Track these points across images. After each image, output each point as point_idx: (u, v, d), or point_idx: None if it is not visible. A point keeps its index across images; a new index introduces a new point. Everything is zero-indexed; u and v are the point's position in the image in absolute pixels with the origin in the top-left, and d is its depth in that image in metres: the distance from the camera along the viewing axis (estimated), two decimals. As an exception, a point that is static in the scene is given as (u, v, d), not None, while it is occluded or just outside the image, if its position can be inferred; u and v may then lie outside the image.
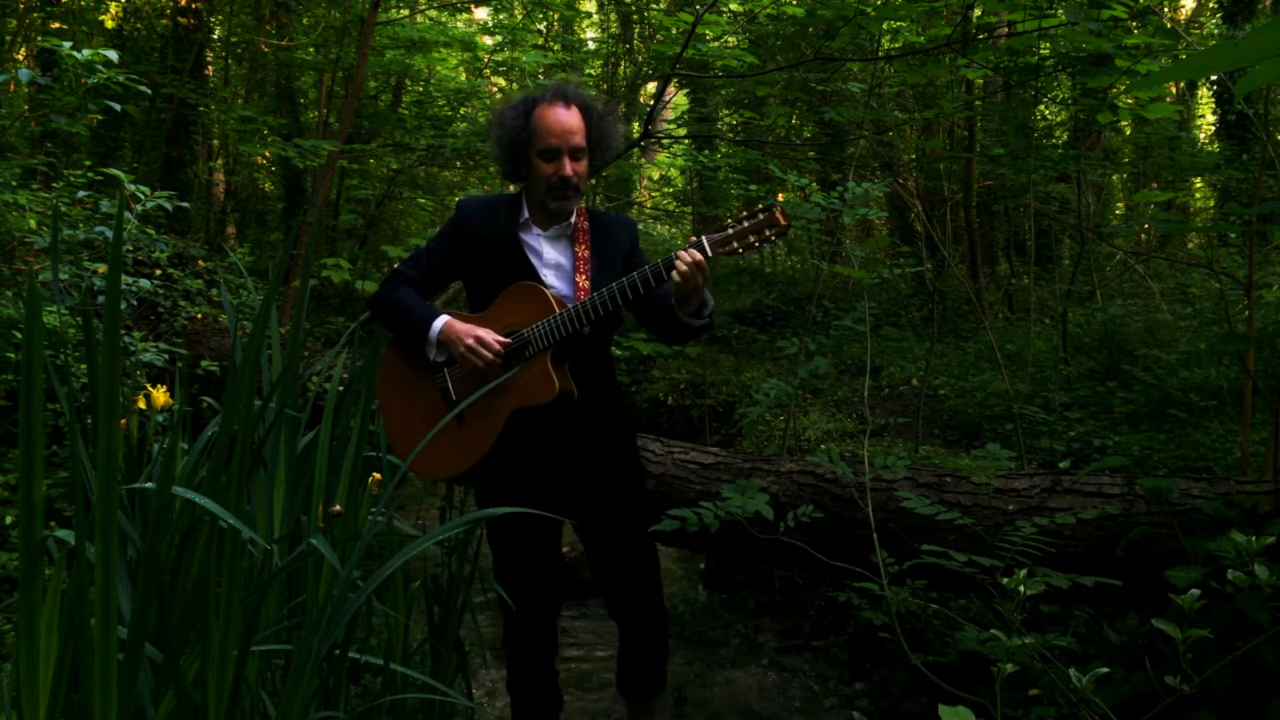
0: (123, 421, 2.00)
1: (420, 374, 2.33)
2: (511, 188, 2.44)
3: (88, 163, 6.49)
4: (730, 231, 2.09)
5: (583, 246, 2.30)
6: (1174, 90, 11.81)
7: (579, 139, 2.23)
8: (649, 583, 2.37)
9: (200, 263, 4.79)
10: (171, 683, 1.51)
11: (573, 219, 2.31)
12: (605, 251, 2.32)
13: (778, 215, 2.07)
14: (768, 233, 2.07)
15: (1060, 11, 3.99)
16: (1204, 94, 12.88)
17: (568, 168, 2.22)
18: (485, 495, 2.33)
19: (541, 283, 2.26)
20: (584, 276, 2.27)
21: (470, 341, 2.19)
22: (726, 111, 10.85)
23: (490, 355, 2.18)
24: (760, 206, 2.10)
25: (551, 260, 2.30)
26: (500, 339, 2.20)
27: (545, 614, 2.33)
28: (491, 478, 2.29)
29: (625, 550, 2.34)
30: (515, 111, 2.28)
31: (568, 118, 2.22)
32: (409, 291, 2.33)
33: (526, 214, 2.31)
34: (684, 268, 2.08)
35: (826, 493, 2.82)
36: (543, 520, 2.13)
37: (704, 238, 2.09)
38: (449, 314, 2.28)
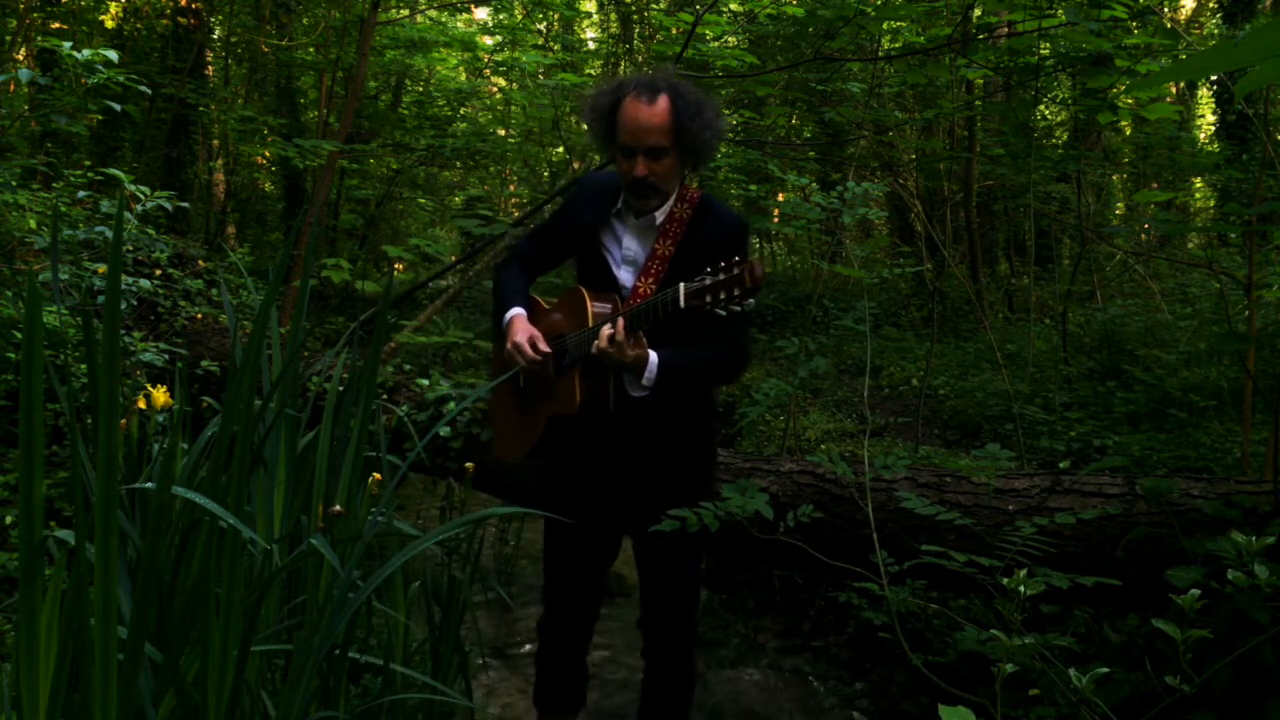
0: (123, 421, 2.00)
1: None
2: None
3: (88, 163, 6.49)
4: (708, 282, 1.87)
5: (668, 242, 2.16)
6: (1174, 90, 11.81)
7: (657, 138, 2.08)
8: (679, 622, 2.30)
9: (200, 263, 4.78)
10: (171, 683, 1.51)
11: (668, 209, 2.18)
12: (693, 250, 2.14)
13: (746, 276, 1.83)
14: (735, 291, 1.84)
15: (1060, 11, 3.99)
16: (1204, 94, 12.88)
17: (641, 168, 2.09)
18: (549, 485, 2.34)
19: (612, 278, 2.20)
20: (649, 278, 2.15)
21: (509, 345, 2.18)
22: (726, 111, 10.83)
23: (524, 362, 2.15)
24: (736, 259, 1.86)
25: (630, 254, 2.20)
26: (541, 348, 2.15)
27: (586, 610, 2.32)
28: (555, 470, 2.31)
29: (661, 579, 2.29)
30: (605, 100, 2.17)
31: (648, 115, 2.07)
32: (514, 272, 2.33)
33: (621, 202, 2.22)
34: (592, 349, 2.00)
35: (826, 493, 2.82)
36: (599, 516, 2.16)
37: (681, 285, 1.90)
38: (521, 307, 2.26)
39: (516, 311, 2.24)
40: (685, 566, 2.28)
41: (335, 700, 1.84)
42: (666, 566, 2.27)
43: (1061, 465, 3.30)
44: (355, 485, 2.17)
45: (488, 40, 10.50)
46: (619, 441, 2.20)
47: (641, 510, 2.19)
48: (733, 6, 6.85)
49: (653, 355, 2.05)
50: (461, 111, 10.97)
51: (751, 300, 1.86)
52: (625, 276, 2.20)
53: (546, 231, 2.39)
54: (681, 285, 1.90)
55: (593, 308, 2.13)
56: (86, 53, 3.35)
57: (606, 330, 1.99)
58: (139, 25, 8.87)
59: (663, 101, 2.09)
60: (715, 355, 2.15)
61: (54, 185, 4.47)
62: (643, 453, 2.21)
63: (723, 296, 1.85)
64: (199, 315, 4.38)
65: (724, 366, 2.19)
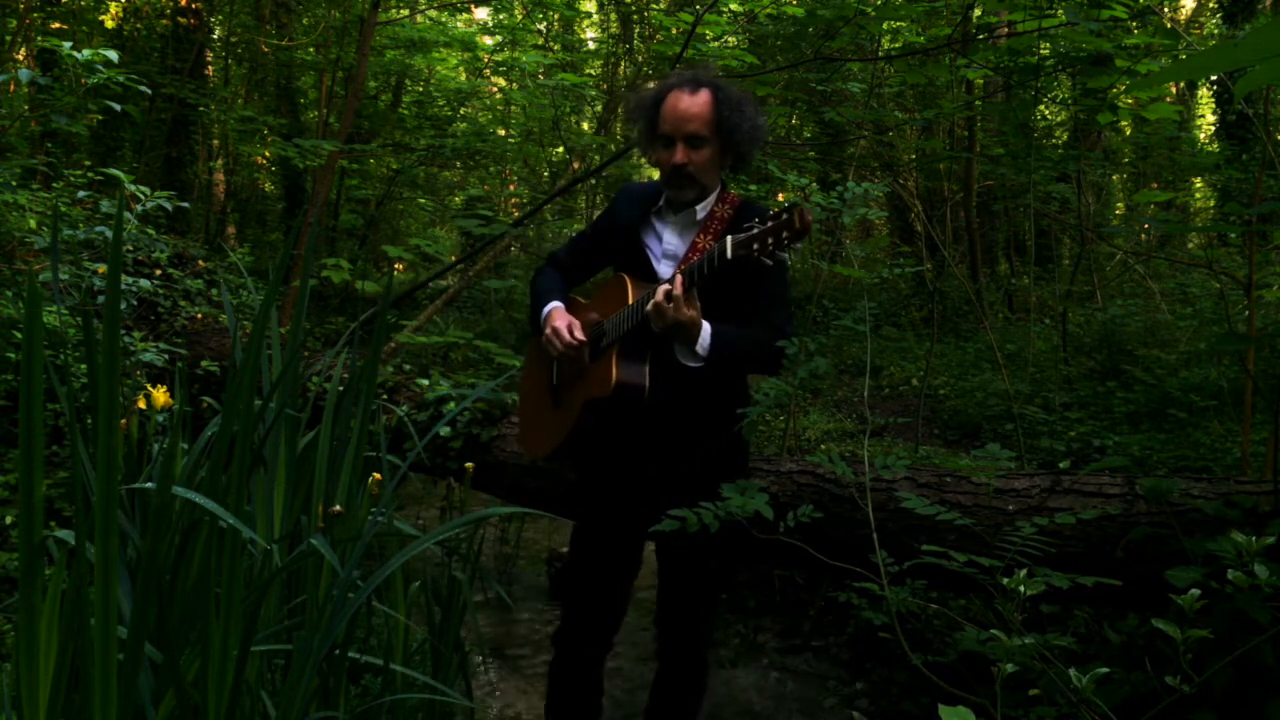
0: (123, 421, 2.00)
1: (543, 352, 2.35)
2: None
3: (88, 163, 6.49)
4: (755, 232, 1.91)
5: (709, 236, 2.19)
6: (1174, 90, 11.82)
7: (696, 126, 2.13)
8: (697, 624, 2.28)
9: (200, 263, 4.78)
10: (171, 683, 1.51)
11: (708, 206, 2.22)
12: None
13: (796, 219, 1.87)
14: (784, 235, 1.88)
15: (1060, 11, 3.99)
16: (1204, 94, 12.89)
17: (680, 155, 2.13)
18: (580, 481, 2.34)
19: (652, 272, 2.21)
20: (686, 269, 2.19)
21: (548, 331, 2.19)
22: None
23: (560, 347, 2.16)
24: (786, 206, 1.92)
25: (671, 248, 2.23)
26: (577, 333, 2.17)
27: (613, 622, 2.28)
28: (586, 465, 2.31)
29: (681, 578, 2.27)
30: (650, 95, 2.23)
31: (689, 104, 2.13)
32: (550, 275, 2.36)
33: (663, 200, 2.26)
34: (648, 308, 2.00)
35: (826, 493, 2.82)
36: (629, 519, 2.15)
37: (728, 237, 1.93)
38: (560, 301, 2.28)
39: (555, 304, 2.27)
40: (706, 566, 2.26)
41: (335, 700, 1.84)
42: (687, 566, 2.25)
43: (1061, 465, 3.30)
44: (355, 485, 2.17)
45: (488, 40, 10.51)
46: (651, 435, 2.18)
47: (670, 506, 2.14)
48: (733, 6, 6.85)
49: (706, 323, 2.06)
50: (461, 111, 10.97)
51: (799, 244, 1.90)
52: (665, 270, 2.21)
53: (586, 239, 2.41)
54: (728, 237, 1.93)
55: (633, 289, 2.13)
56: (86, 53, 3.35)
57: (664, 287, 1.99)
58: (139, 25, 8.88)
59: (704, 94, 2.15)
60: (761, 336, 2.16)
61: (54, 185, 4.47)
62: (675, 447, 2.20)
63: (770, 243, 1.89)
64: (199, 315, 4.39)
65: (767, 351, 2.18)
